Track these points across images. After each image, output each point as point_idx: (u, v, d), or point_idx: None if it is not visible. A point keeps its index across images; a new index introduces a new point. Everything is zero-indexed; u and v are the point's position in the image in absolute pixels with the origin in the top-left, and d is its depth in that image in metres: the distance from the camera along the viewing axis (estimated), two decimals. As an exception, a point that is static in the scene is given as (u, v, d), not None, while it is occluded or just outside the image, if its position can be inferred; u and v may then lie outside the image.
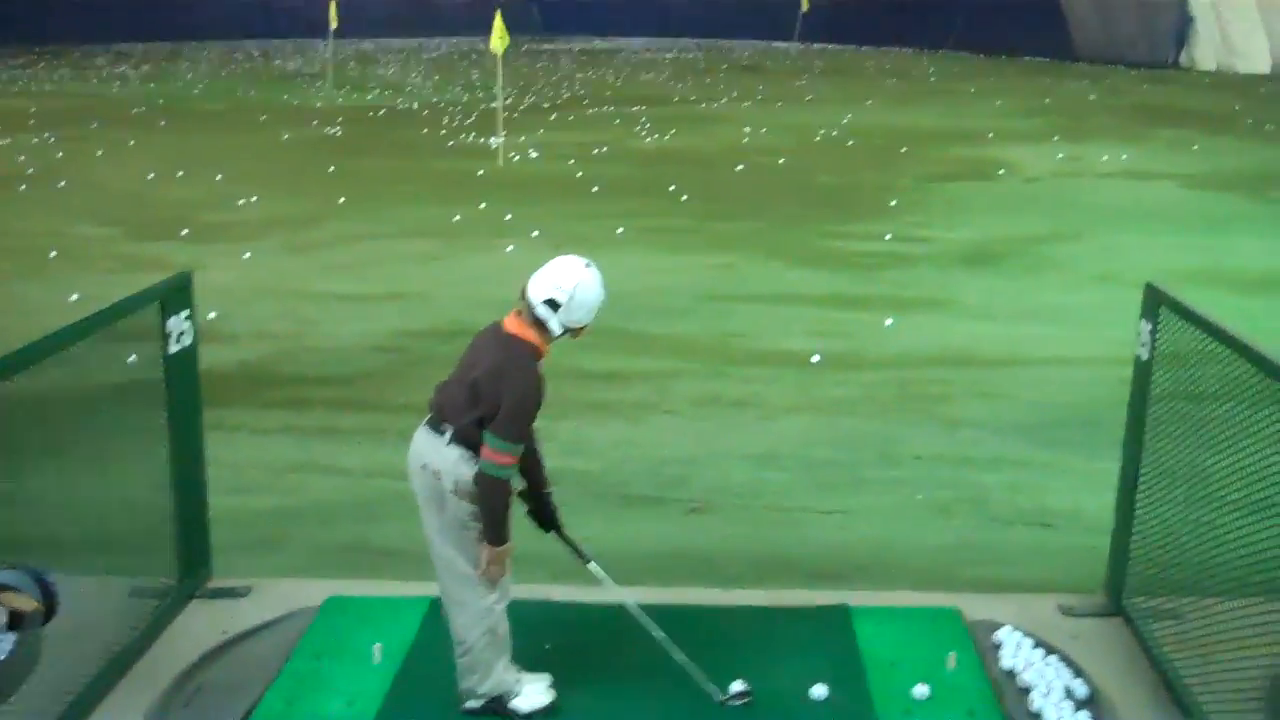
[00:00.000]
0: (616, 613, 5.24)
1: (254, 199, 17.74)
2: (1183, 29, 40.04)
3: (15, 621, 3.24)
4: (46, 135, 24.06)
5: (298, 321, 11.68)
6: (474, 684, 4.97)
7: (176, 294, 5.50)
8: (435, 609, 5.31)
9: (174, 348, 5.46)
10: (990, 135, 24.62)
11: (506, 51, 21.29)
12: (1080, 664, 5.33)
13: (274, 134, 24.93)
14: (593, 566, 5.17)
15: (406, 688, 5.25)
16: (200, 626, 5.61)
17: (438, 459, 4.76)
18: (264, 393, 9.69)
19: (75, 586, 3.77)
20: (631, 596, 5.22)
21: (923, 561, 6.72)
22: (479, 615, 4.87)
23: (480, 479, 4.71)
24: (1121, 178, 20.17)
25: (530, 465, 5.03)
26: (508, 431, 4.67)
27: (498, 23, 20.47)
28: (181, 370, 5.55)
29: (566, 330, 4.84)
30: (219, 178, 19.48)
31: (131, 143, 23.47)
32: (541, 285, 4.79)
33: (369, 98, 31.64)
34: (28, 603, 3.25)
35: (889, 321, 11.55)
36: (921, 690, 5.16)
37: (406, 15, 52.98)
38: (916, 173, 20.39)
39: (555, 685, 5.16)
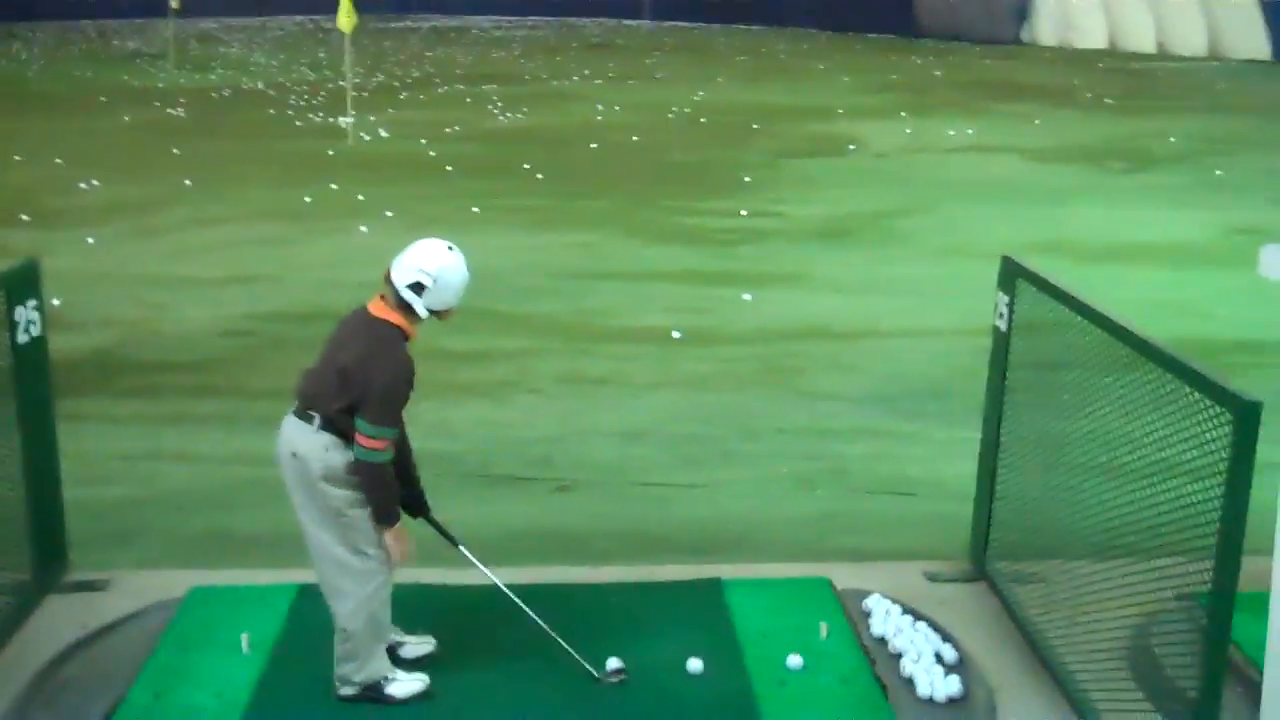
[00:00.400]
0: (489, 594, 5.18)
1: (96, 183, 17.24)
2: (1024, 5, 40.94)
3: None
4: None
5: (146, 307, 11.38)
6: (350, 671, 4.89)
7: (23, 282, 5.31)
8: (302, 596, 5.25)
9: (22, 338, 5.27)
10: (840, 112, 24.91)
11: (355, 30, 20.96)
12: (948, 629, 5.45)
13: (115, 116, 24.24)
14: (462, 549, 5.13)
15: (276, 677, 5.16)
16: (59, 621, 5.43)
17: (306, 447, 4.68)
18: (113, 380, 9.43)
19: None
20: (503, 578, 5.18)
21: (790, 533, 6.80)
22: (361, 602, 4.80)
23: (359, 467, 4.68)
24: (966, 152, 20.57)
25: (400, 452, 4.95)
26: (380, 416, 4.64)
27: (344, 0, 20.15)
28: (30, 360, 5.35)
29: (433, 313, 4.78)
30: (59, 161, 18.90)
31: (-37, 127, 22.70)
32: (405, 269, 4.73)
33: (213, 78, 30.91)
34: None
35: (747, 296, 11.64)
36: (795, 660, 5.22)
37: (250, -7, 51.91)
38: (769, 149, 20.56)
39: (429, 669, 5.11)
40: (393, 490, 4.78)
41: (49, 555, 5.67)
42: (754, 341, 10.43)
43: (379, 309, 4.75)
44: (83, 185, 17.08)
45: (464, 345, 9.84)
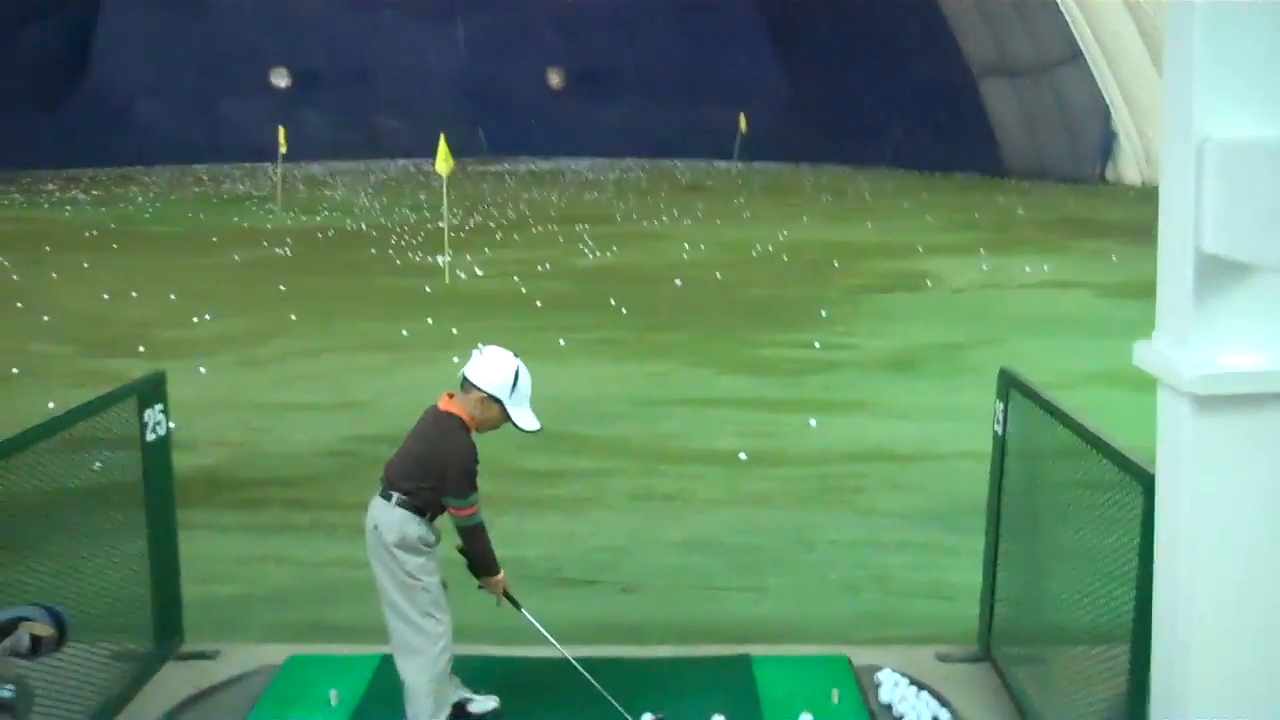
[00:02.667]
0: (544, 664, 6.04)
1: (208, 317, 18.37)
2: (1107, 144, 41.54)
3: (35, 646, 3.87)
4: (1, 259, 24.59)
5: (252, 430, 12.28)
6: None
7: (152, 388, 6.19)
8: (385, 665, 5.99)
9: (150, 437, 6.13)
10: (920, 249, 25.61)
11: (452, 173, 22.13)
12: (948, 697, 6.09)
13: (225, 255, 25.60)
14: (525, 614, 5.85)
15: None
16: (174, 683, 6.24)
17: (385, 520, 5.52)
18: (221, 495, 10.27)
19: (63, 650, 4.38)
20: (558, 646, 5.91)
21: (828, 628, 7.39)
22: (428, 662, 5.56)
23: (463, 533, 5.62)
24: (1041, 287, 21.13)
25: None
26: (461, 489, 5.53)
27: (442, 146, 21.35)
28: (157, 458, 6.21)
29: (506, 415, 5.64)
30: (173, 297, 20.09)
31: (86, 265, 24.05)
32: (487, 373, 5.64)
33: (318, 219, 32.40)
34: (46, 629, 3.89)
35: (813, 422, 12.28)
36: (806, 718, 5.87)
37: (353, 140, 53.98)
38: (847, 285, 21.28)
39: None
40: (489, 546, 5.68)
41: (168, 629, 6.48)
42: (816, 463, 11.07)
43: (447, 405, 5.68)
44: (195, 319, 18.19)
45: (543, 465, 10.62)
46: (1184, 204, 3.01)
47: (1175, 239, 3.13)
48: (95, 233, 29.56)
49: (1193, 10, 2.78)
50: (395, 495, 5.58)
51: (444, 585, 5.67)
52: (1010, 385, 6.11)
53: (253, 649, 6.69)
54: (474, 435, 5.70)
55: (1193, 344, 2.99)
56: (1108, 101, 39.93)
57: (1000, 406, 6.21)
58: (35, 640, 3.91)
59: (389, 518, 5.56)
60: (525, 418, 5.72)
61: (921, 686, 6.14)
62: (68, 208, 36.24)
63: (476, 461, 5.61)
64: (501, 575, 5.79)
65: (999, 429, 6.25)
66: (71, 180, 45.38)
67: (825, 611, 7.74)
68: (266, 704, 6.07)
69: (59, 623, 3.99)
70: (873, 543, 9.04)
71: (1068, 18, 38.84)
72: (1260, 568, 3.13)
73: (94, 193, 41.07)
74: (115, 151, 49.96)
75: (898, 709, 5.99)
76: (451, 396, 5.75)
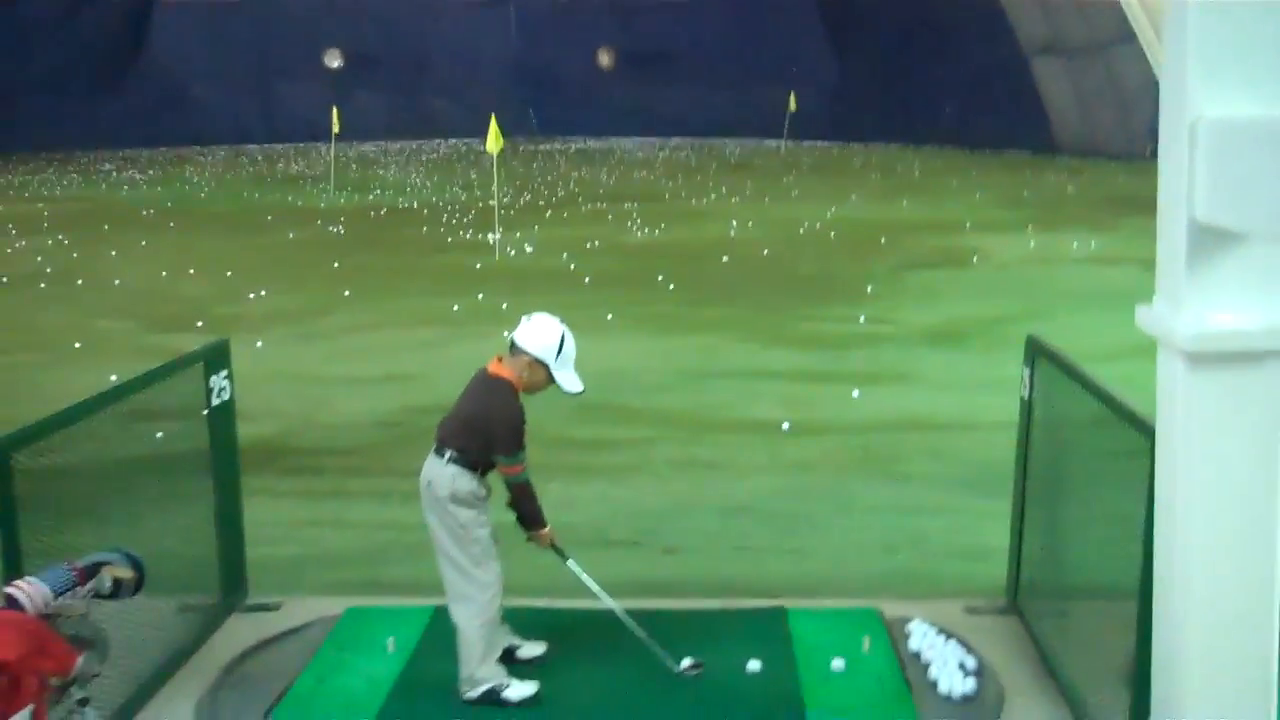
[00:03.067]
0: (588, 615, 6.39)
1: (263, 293, 18.75)
2: (1157, 122, 41.24)
3: (116, 588, 4.17)
4: (60, 237, 25.10)
5: (308, 402, 12.61)
6: (471, 671, 5.91)
7: (217, 356, 6.52)
8: (439, 616, 6.30)
9: (215, 401, 6.46)
10: (968, 225, 25.71)
11: (503, 152, 22.41)
12: (974, 645, 6.36)
13: (280, 233, 26.02)
14: (571, 564, 6.17)
15: (416, 671, 6.28)
16: (241, 633, 6.60)
17: (437, 476, 5.83)
18: (278, 462, 10.59)
19: (134, 602, 4.69)
20: (602, 595, 6.21)
21: (861, 585, 7.63)
22: (479, 608, 5.87)
23: (512, 489, 5.96)
24: (1088, 263, 21.20)
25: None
26: (509, 448, 5.85)
27: (493, 125, 21.63)
28: (222, 421, 6.54)
29: (551, 378, 5.92)
30: (229, 274, 20.50)
31: (143, 243, 24.53)
32: (534, 338, 5.95)
33: (370, 198, 32.77)
34: (125, 572, 4.19)
35: (855, 393, 12.48)
36: (838, 663, 6.20)
37: (405, 120, 54.41)
38: (893, 261, 21.42)
39: (539, 674, 6.19)
40: (536, 501, 6.01)
41: (233, 583, 6.82)
42: (857, 432, 11.28)
43: (496, 368, 5.95)
44: (251, 296, 18.58)
45: (590, 434, 10.89)
46: (1179, 177, 3.23)
47: (1171, 210, 3.36)
48: (152, 212, 30.04)
49: (1187, 1, 3.01)
50: (448, 452, 5.90)
51: (494, 538, 5.97)
52: (1036, 352, 6.34)
53: (313, 601, 7.02)
54: (522, 398, 5.98)
55: (1186, 306, 3.22)
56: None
57: (1027, 372, 6.43)
58: (116, 583, 4.20)
59: (442, 473, 5.88)
60: (570, 380, 6.00)
61: (950, 635, 6.40)
62: (125, 187, 36.81)
63: (524, 421, 5.90)
64: (549, 529, 6.10)
65: (1026, 394, 6.47)
66: (128, 160, 46.07)
67: (861, 571, 7.97)
68: (327, 651, 6.41)
69: (137, 566, 4.29)
70: (909, 508, 9.26)
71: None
72: (1249, 511, 3.34)
73: (150, 172, 41.68)
74: (171, 132, 50.66)
75: (925, 655, 6.25)
76: (500, 360, 6.03)
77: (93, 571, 4.18)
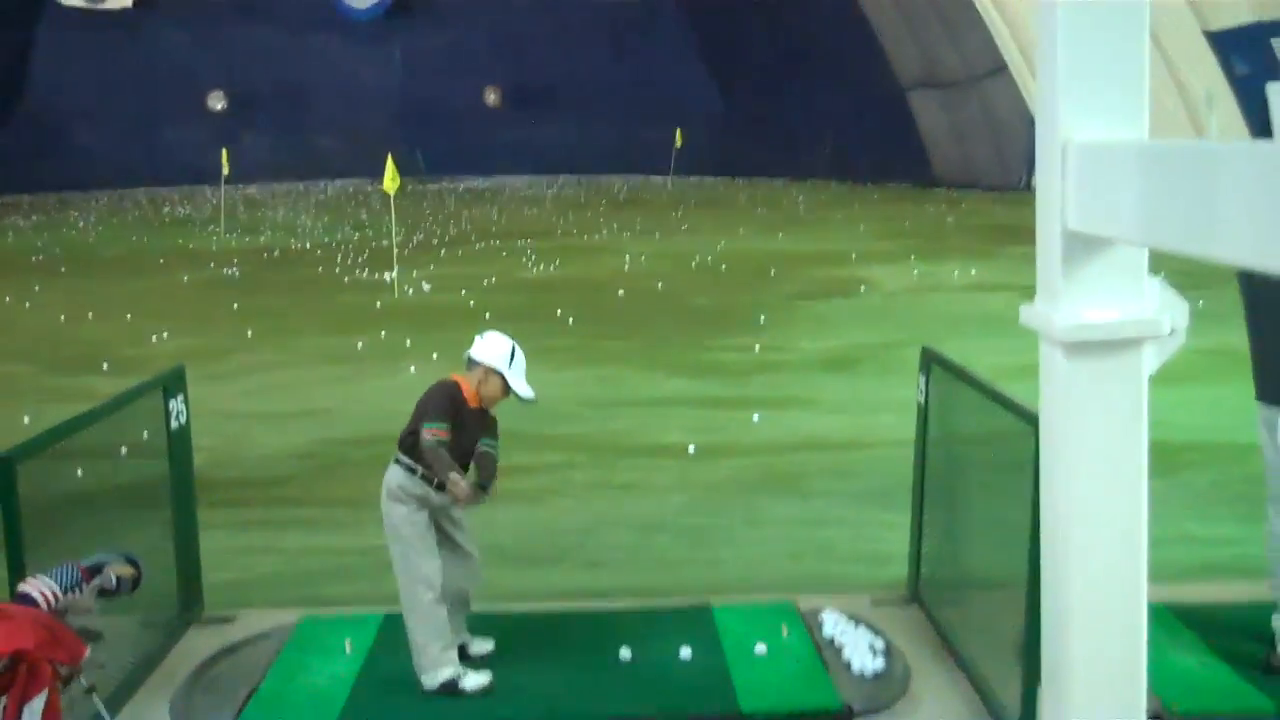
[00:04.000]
0: (528, 617, 7.10)
1: (165, 335, 18.87)
2: (1032, 154, 42.51)
3: (118, 584, 4.57)
4: (-52, 285, 24.91)
5: (226, 438, 12.86)
6: (424, 664, 6.39)
7: (174, 380, 6.88)
8: (390, 621, 6.75)
9: (174, 424, 6.82)
10: (854, 256, 26.50)
11: (397, 192, 22.77)
12: (881, 630, 7.03)
13: (175, 276, 26.02)
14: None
15: (375, 669, 6.77)
16: (201, 644, 6.95)
17: (386, 478, 6.46)
18: (205, 495, 10.61)
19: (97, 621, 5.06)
20: (539, 608, 6.77)
21: (775, 587, 8.19)
22: (424, 612, 6.29)
23: (424, 451, 6.31)
24: (970, 290, 22.06)
25: (483, 460, 6.70)
26: (429, 417, 6.36)
27: (389, 165, 22.00)
28: (180, 442, 6.90)
29: (507, 388, 6.50)
30: (129, 317, 20.56)
31: (37, 288, 24.37)
32: (487, 350, 6.55)
33: (262, 239, 32.82)
34: (126, 569, 4.59)
35: (756, 417, 13.06)
36: (761, 648, 6.88)
37: (291, 161, 54.26)
38: (784, 292, 22.09)
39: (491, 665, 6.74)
40: (446, 460, 6.32)
41: (190, 598, 7.17)
42: (760, 453, 11.84)
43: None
44: (154, 337, 18.69)
45: (506, 461, 11.26)
46: (1053, 192, 3.84)
47: (1047, 221, 3.95)
48: (41, 257, 29.83)
49: (1055, 37, 3.61)
50: (396, 455, 6.44)
51: (441, 538, 6.46)
52: (930, 360, 6.96)
53: (268, 613, 7.43)
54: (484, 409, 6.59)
55: (1062, 302, 3.77)
56: (1033, 112, 41.01)
57: (922, 379, 7.05)
58: (118, 579, 4.61)
59: (388, 476, 6.45)
60: (523, 387, 6.55)
61: (859, 622, 7.02)
62: (9, 233, 36.41)
63: (449, 400, 6.42)
64: (456, 479, 6.39)
65: (921, 399, 7.09)
66: (9, 206, 45.49)
67: (774, 576, 8.52)
68: (288, 654, 6.84)
69: (135, 564, 4.70)
70: (814, 520, 9.83)
71: (993, 31, 39.94)
72: (1121, 480, 3.89)
73: (34, 217, 41.23)
74: (52, 176, 50.08)
75: (838, 641, 6.92)
76: (457, 377, 6.59)
77: (97, 569, 4.58)
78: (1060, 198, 3.70)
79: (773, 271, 24.54)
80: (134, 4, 51.33)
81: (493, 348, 6.54)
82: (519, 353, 6.61)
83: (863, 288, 22.44)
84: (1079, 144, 3.58)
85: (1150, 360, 3.78)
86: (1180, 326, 3.80)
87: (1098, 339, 3.71)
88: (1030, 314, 4.17)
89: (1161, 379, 10.67)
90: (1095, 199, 3.53)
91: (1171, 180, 3.22)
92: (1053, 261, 3.85)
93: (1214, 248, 3.11)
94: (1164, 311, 3.70)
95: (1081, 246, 3.63)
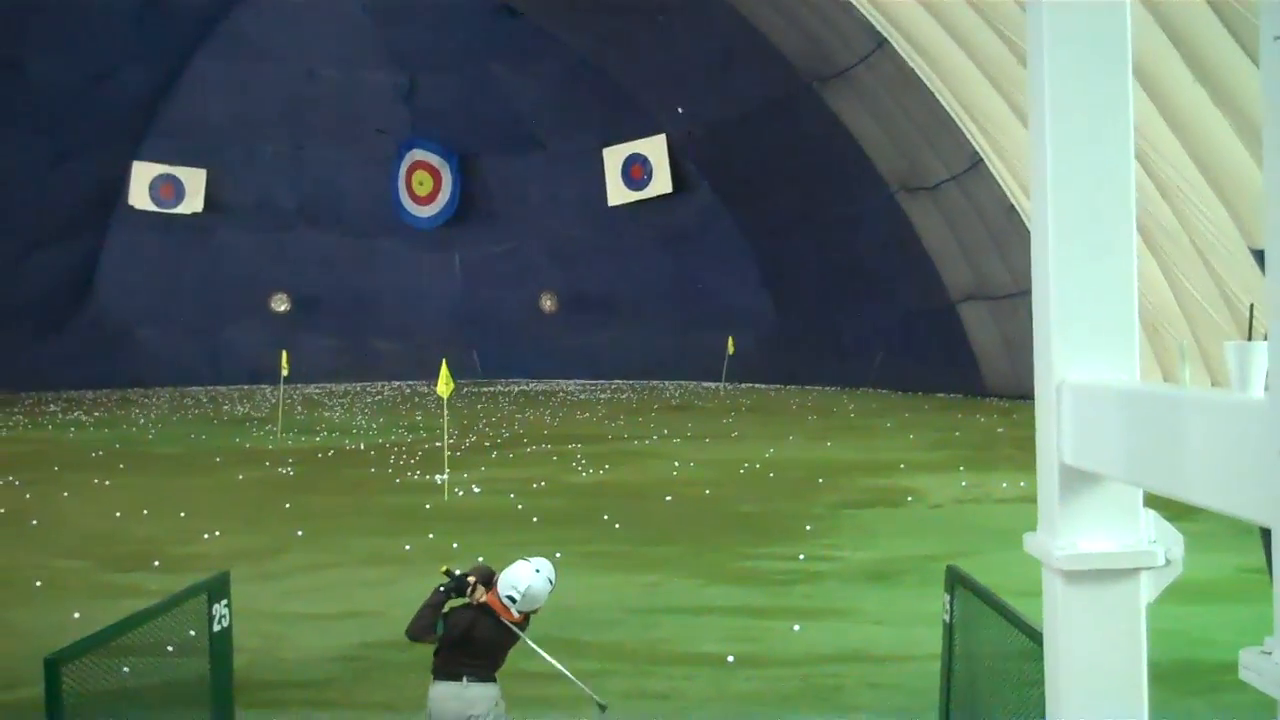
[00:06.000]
0: None
1: (217, 533, 19.15)
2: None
3: None
4: (11, 478, 25.41)
5: (267, 638, 13.00)
6: None
7: (219, 586, 7.10)
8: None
9: (216, 627, 7.01)
10: (902, 466, 26.54)
11: (451, 395, 23.19)
12: None
13: (230, 474, 26.45)
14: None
15: None
16: None
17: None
18: (243, 695, 10.92)
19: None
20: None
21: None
22: None
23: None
24: (1017, 502, 22.00)
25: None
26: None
27: (444, 370, 22.46)
28: (222, 644, 7.08)
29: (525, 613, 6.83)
30: (182, 514, 20.88)
31: (95, 483, 24.88)
32: (504, 584, 6.83)
33: (318, 439, 33.29)
34: None
35: (796, 627, 13.06)
36: None
37: (349, 362, 55.17)
38: (831, 501, 22.16)
39: None
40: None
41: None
42: (799, 664, 11.84)
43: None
44: (205, 536, 18.97)
45: (544, 668, 11.32)
46: (1050, 427, 4.03)
47: (1046, 454, 4.13)
48: (101, 453, 30.38)
49: (1049, 289, 3.85)
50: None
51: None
52: (955, 580, 7.05)
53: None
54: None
55: (1060, 533, 3.93)
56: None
57: (947, 598, 7.13)
58: None
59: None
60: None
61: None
62: (71, 429, 37.12)
63: (460, 626, 7.35)
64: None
65: (947, 618, 7.16)
66: (73, 402, 46.44)
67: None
68: None
69: None
70: (851, 736, 9.82)
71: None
72: (1120, 711, 4.01)
73: (96, 414, 42.03)
74: (115, 374, 51.20)
75: None
76: None
77: None
78: (1056, 434, 3.90)
79: (820, 480, 24.62)
80: (204, 208, 52.85)
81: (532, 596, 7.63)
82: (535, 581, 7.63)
83: (909, 498, 22.47)
84: (1072, 384, 3.79)
85: (1148, 589, 3.92)
86: (1176, 557, 3.93)
87: (1094, 568, 3.85)
88: (1032, 542, 4.31)
89: (1203, 597, 10.97)
90: (1087, 436, 3.73)
91: (1149, 423, 3.42)
92: (1051, 493, 4.02)
93: (1186, 490, 3.29)
94: (1160, 543, 3.85)
95: (1077, 480, 3.81)
